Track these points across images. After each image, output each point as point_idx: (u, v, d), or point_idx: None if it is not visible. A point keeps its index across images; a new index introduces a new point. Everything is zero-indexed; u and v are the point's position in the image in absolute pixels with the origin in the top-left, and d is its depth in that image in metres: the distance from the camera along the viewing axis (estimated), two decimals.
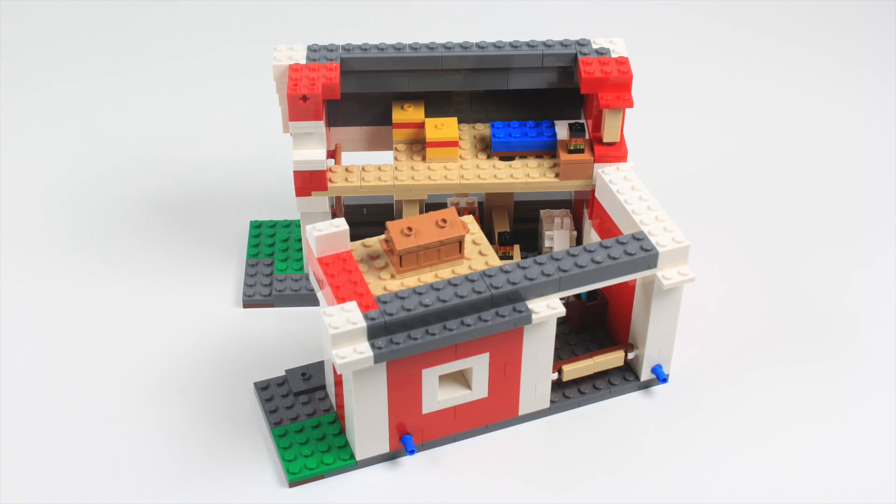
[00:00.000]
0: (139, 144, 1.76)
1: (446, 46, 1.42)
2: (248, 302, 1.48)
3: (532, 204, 1.55)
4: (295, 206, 1.57)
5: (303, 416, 1.32)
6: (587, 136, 1.42)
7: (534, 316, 1.23)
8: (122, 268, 1.54)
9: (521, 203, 1.54)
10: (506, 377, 1.29)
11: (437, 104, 1.48)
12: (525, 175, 1.41)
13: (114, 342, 1.43)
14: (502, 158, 1.44)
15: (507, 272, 1.23)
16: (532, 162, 1.43)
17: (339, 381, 1.27)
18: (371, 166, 1.43)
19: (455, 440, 1.31)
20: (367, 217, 1.54)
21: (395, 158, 1.44)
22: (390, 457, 1.29)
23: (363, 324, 1.17)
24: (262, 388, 1.35)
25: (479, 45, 1.42)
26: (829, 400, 1.37)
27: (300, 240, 1.55)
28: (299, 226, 1.56)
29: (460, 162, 1.43)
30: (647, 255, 1.26)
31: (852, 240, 1.60)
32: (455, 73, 1.43)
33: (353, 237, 1.34)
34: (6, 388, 1.36)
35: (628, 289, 1.35)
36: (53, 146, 1.75)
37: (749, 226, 1.62)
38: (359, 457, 1.28)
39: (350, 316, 1.18)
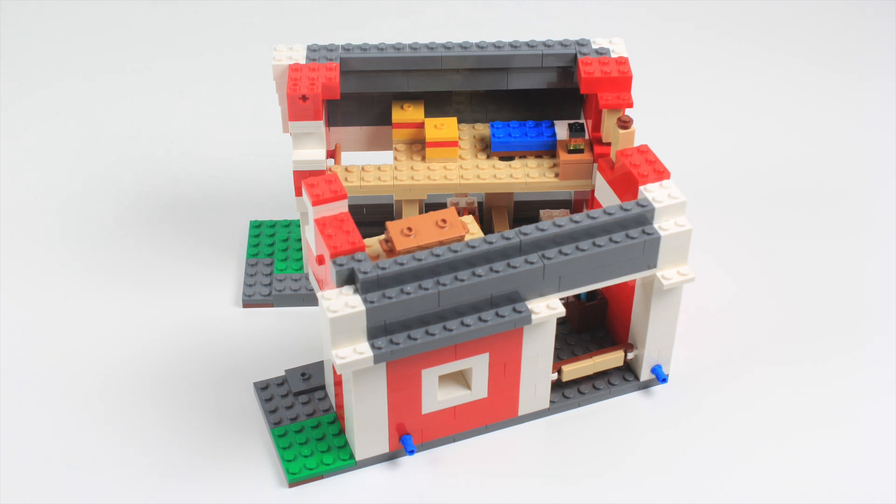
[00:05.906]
0: (139, 144, 1.75)
1: (446, 46, 1.42)
2: (248, 302, 1.48)
3: (532, 204, 1.55)
4: (295, 206, 1.57)
5: (302, 417, 1.32)
6: (587, 136, 1.42)
7: (533, 316, 1.23)
8: (121, 267, 1.54)
9: (520, 203, 1.54)
10: (505, 377, 1.29)
11: (436, 104, 1.48)
12: (525, 175, 1.41)
13: (113, 342, 1.43)
14: (502, 158, 1.44)
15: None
16: (532, 162, 1.43)
17: (338, 382, 1.27)
18: (371, 166, 1.43)
19: (455, 440, 1.31)
20: (367, 217, 1.54)
21: (395, 158, 1.44)
22: (390, 457, 1.29)
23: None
24: (262, 388, 1.35)
25: (479, 45, 1.42)
26: (830, 401, 1.36)
27: (300, 240, 1.55)
28: (299, 226, 1.56)
29: (460, 162, 1.43)
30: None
31: (855, 239, 1.59)
32: (455, 73, 1.43)
33: None
34: (5, 389, 1.36)
35: (628, 289, 1.35)
36: (53, 146, 1.75)
37: (749, 225, 1.62)
38: (358, 457, 1.28)
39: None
